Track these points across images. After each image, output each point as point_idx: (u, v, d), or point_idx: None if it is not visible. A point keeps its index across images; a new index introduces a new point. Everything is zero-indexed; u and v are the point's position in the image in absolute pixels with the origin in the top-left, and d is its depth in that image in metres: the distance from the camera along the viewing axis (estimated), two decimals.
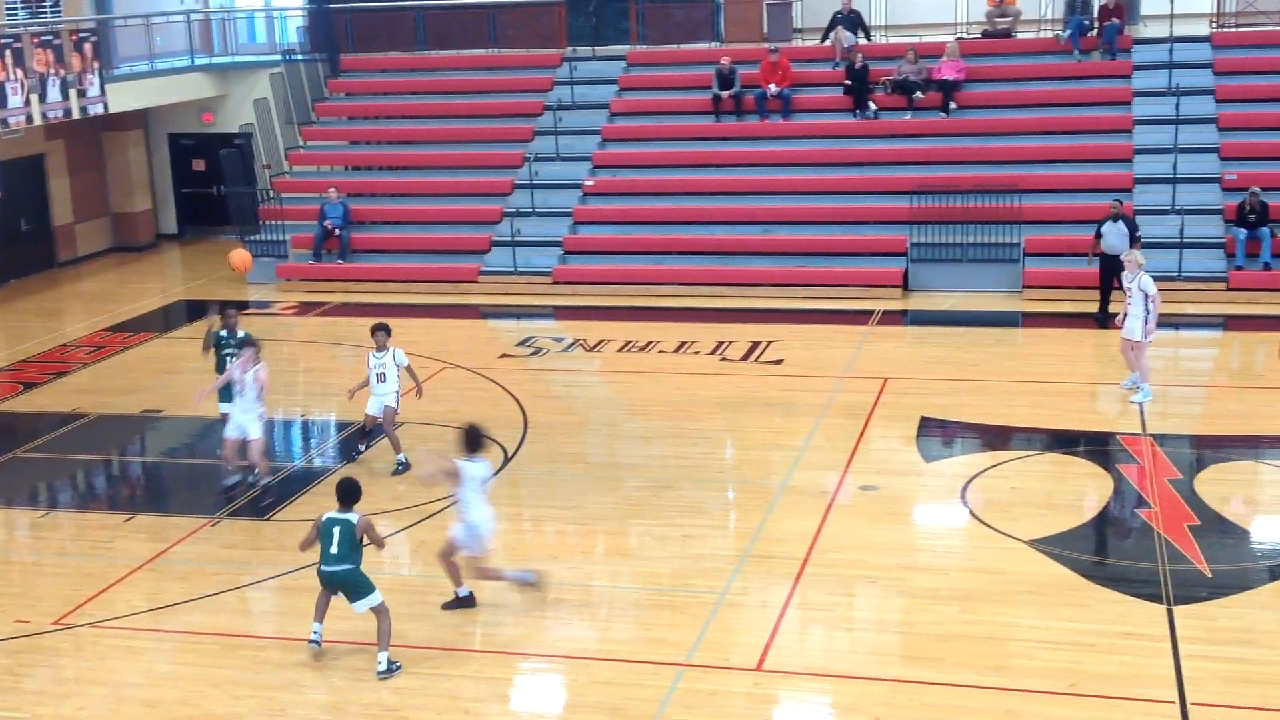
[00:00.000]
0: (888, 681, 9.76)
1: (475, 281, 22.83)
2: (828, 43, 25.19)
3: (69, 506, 14.40)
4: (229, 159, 25.46)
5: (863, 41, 25.17)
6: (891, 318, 20.17)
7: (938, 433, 15.11)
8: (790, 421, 15.51)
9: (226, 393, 14.02)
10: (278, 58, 27.06)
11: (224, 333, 14.95)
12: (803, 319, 20.14)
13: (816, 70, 24.89)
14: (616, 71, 25.90)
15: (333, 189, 23.83)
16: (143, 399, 17.50)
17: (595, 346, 19.14)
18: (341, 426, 16.30)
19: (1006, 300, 20.80)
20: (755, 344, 18.71)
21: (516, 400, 16.67)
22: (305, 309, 22.24)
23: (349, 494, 10.25)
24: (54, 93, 22.73)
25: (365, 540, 10.28)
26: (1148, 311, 15.50)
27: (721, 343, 18.84)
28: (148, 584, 11.82)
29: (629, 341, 19.21)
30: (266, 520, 13.27)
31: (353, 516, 10.15)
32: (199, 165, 28.58)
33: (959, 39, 24.90)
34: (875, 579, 11.43)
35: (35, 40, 22.61)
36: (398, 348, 14.57)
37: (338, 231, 23.54)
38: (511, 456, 14.69)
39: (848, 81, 23.99)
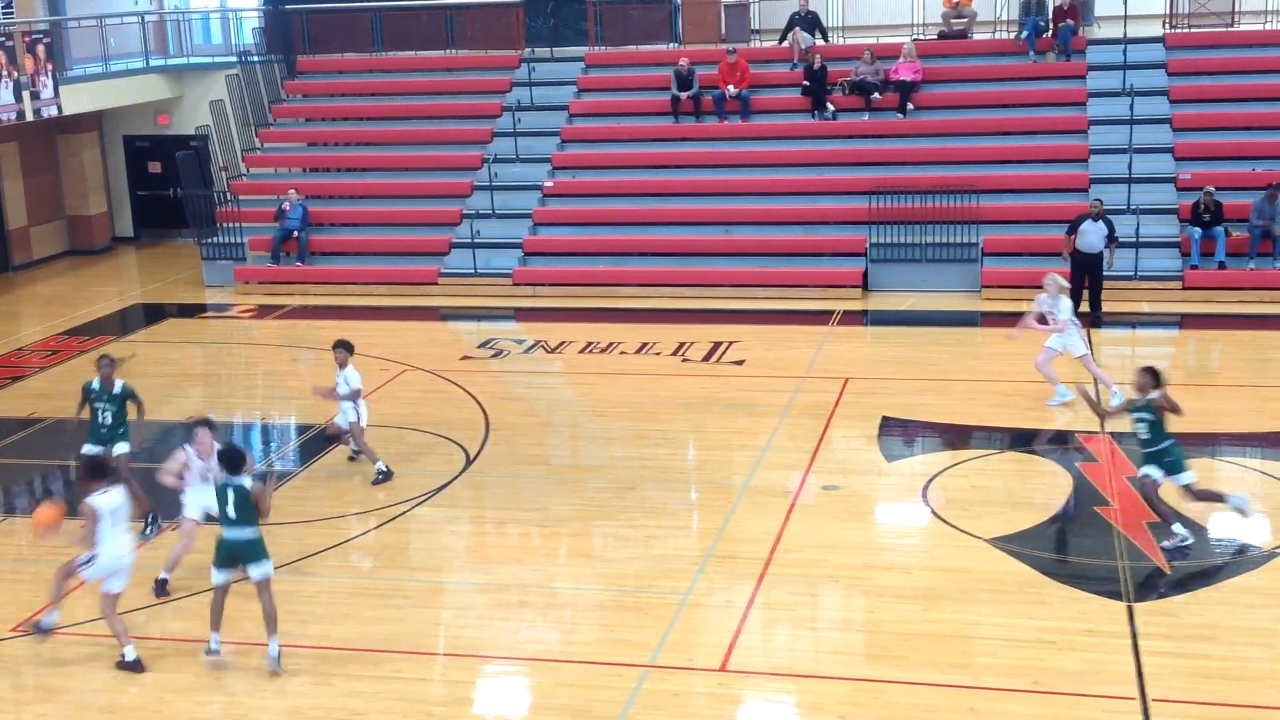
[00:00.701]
0: (852, 681, 9.80)
1: (435, 284, 22.76)
2: (785, 44, 25.28)
3: (26, 512, 14.22)
4: (186, 161, 25.24)
5: (820, 43, 25.27)
6: (852, 318, 20.27)
7: (899, 432, 15.19)
8: (752, 422, 15.56)
9: (95, 435, 12.85)
10: (234, 59, 26.90)
11: (96, 385, 12.90)
12: (763, 319, 20.20)
13: (774, 71, 24.98)
14: (575, 73, 25.89)
15: (292, 190, 23.70)
16: None
17: (556, 348, 19.12)
18: (302, 430, 16.21)
19: (965, 300, 20.94)
20: (716, 344, 18.75)
21: (478, 402, 16.63)
22: (264, 312, 22.10)
23: (234, 461, 10.24)
24: (6, 95, 22.48)
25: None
26: (1076, 327, 15.73)
27: (683, 344, 18.87)
28: None
29: (590, 343, 19.20)
30: None
31: (245, 480, 10.18)
32: (155, 167, 28.35)
33: (915, 40, 25.06)
34: (838, 578, 11.48)
35: None
36: (353, 369, 14.01)
37: (296, 234, 23.40)
38: (474, 459, 14.65)
39: (806, 82, 24.08)
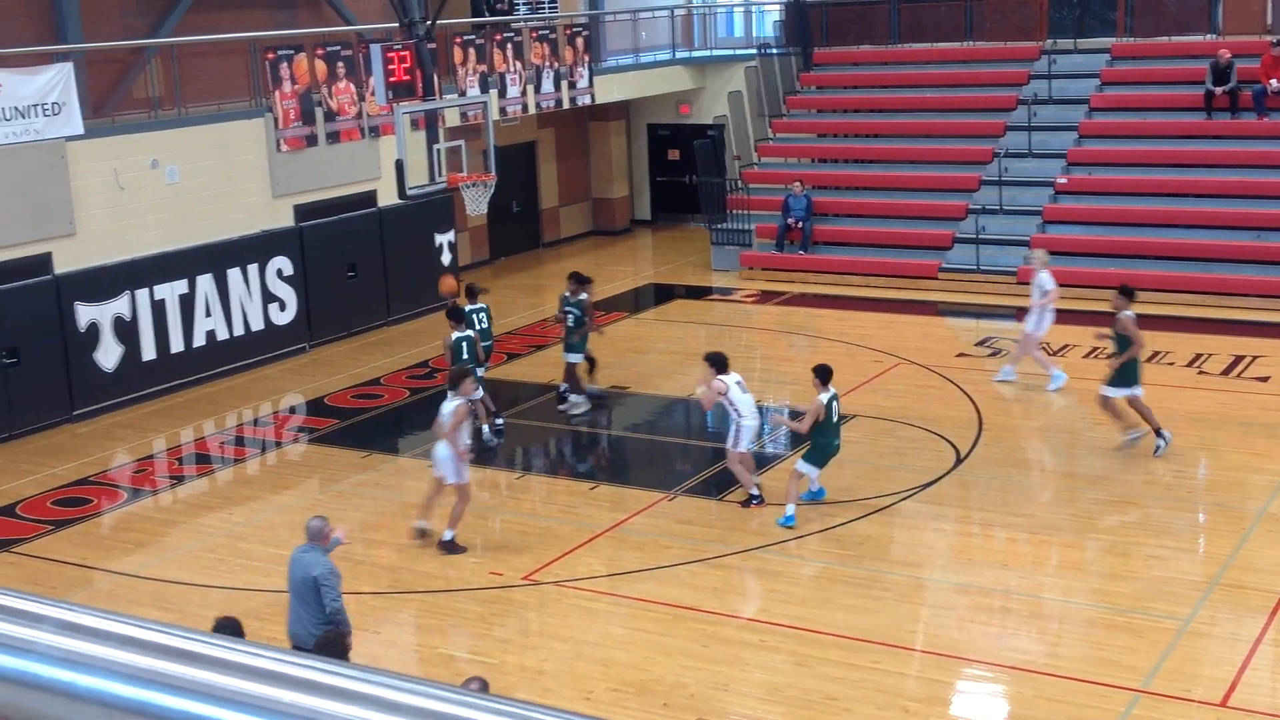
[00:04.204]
0: None
1: (935, 278, 22.51)
2: None
3: (541, 471, 15.39)
4: (702, 149, 26.31)
5: None
6: None
7: None
8: (1274, 444, 14.33)
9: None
10: (753, 51, 27.71)
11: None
12: None
13: None
14: (1099, 65, 24.74)
15: (797, 182, 24.17)
16: (611, 375, 18.40)
17: (1059, 351, 18.40)
18: (795, 415, 16.50)
19: None
20: (1238, 358, 17.40)
21: (972, 401, 16.31)
22: (765, 297, 22.70)
23: (458, 316, 15.12)
24: (547, 84, 24.32)
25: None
26: None
27: (1199, 355, 17.66)
28: (607, 550, 12.44)
29: (1096, 348, 18.32)
30: (720, 501, 13.65)
31: (471, 333, 14.95)
32: (673, 155, 29.72)
33: None
34: None
35: (534, 34, 24.29)
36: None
37: (800, 223, 23.86)
38: (964, 458, 14.39)
39: None
